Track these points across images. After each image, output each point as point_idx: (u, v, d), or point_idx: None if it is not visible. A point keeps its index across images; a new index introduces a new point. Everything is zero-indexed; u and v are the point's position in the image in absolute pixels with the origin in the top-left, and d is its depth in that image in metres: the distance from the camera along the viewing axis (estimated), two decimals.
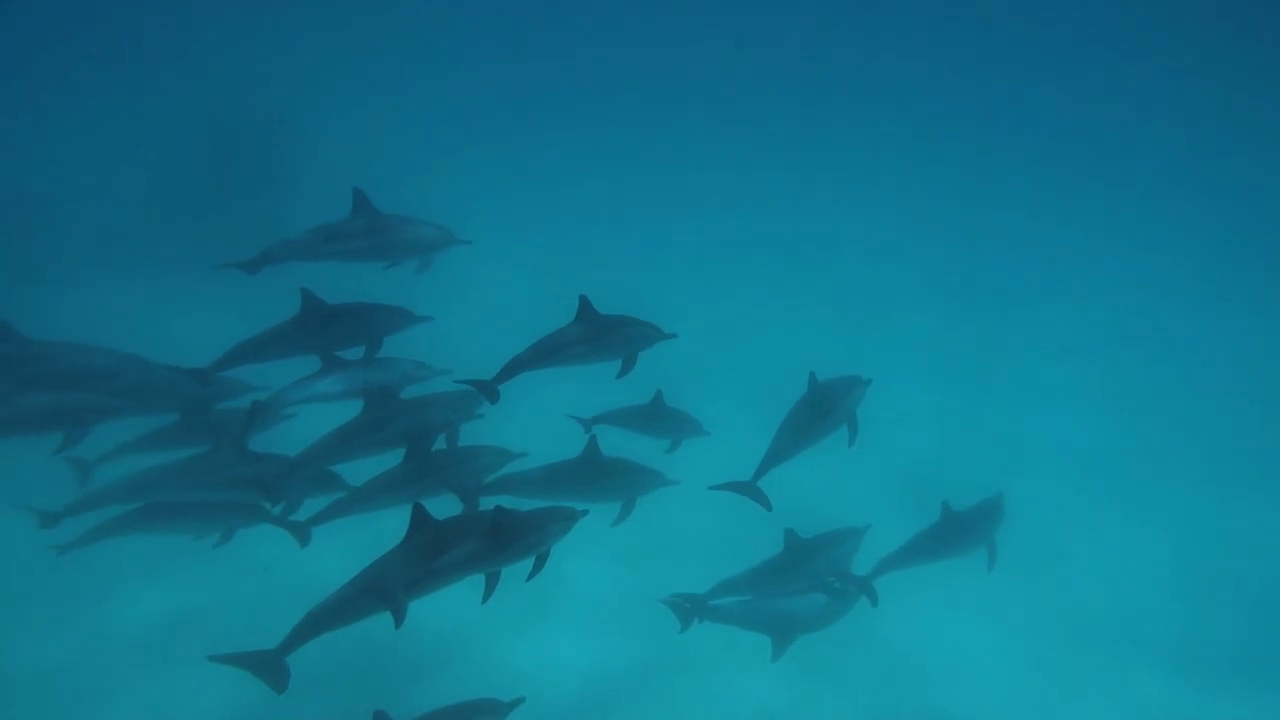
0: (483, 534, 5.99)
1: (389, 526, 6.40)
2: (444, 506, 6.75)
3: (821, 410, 7.65)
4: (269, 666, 5.86)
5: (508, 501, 6.37)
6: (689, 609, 7.85)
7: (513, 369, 7.38)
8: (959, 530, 8.67)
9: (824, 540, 8.06)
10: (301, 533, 7.47)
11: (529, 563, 6.19)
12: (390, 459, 7.48)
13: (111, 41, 22.85)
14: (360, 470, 7.53)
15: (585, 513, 6.36)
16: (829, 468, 9.13)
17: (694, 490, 7.95)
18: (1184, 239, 19.11)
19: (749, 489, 7.40)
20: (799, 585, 7.85)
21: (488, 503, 6.78)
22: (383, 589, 5.81)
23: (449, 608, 7.04)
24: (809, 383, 7.75)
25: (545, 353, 7.45)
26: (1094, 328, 15.71)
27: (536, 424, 8.37)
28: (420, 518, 6.12)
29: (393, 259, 8.69)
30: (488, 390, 7.31)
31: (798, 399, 7.75)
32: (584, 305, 7.58)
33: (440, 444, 7.65)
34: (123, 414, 7.78)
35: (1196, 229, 19.50)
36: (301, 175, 17.02)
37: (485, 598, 6.21)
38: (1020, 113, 24.65)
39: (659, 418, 8.93)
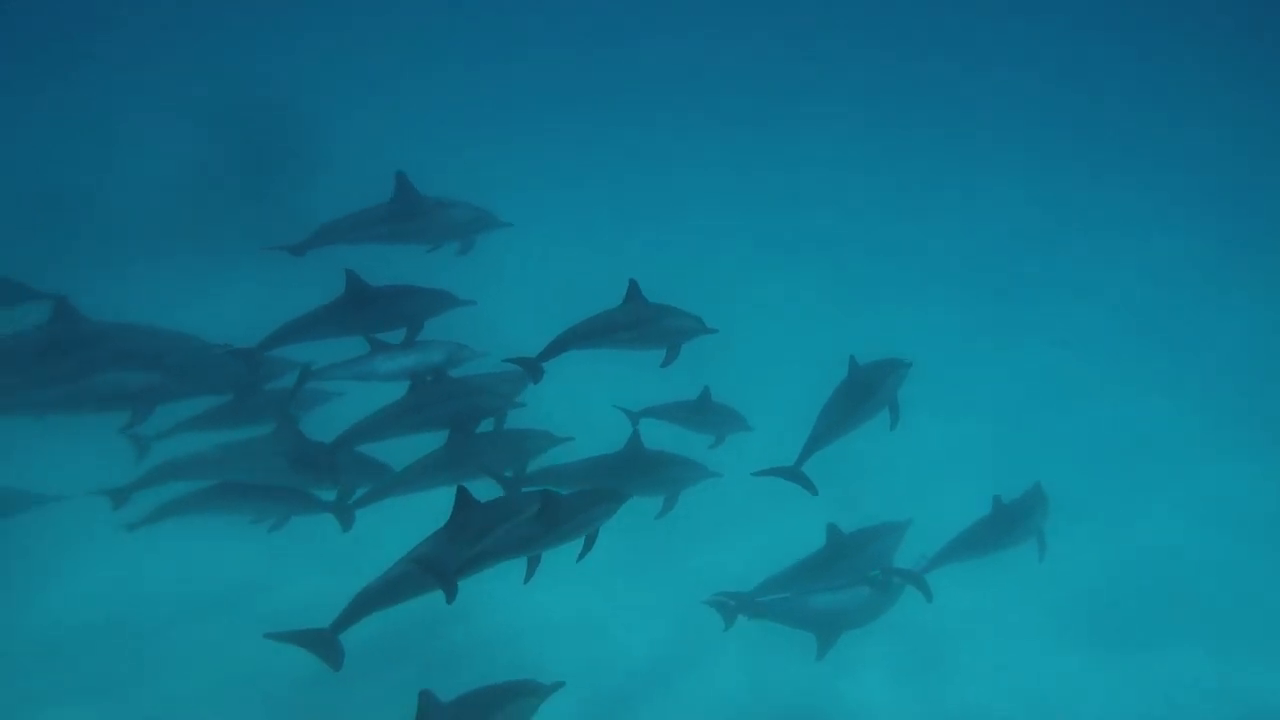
0: (532, 515, 6.02)
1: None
2: (486, 490, 6.81)
3: (862, 393, 7.63)
4: (323, 644, 5.99)
5: None
6: (733, 607, 7.86)
7: (557, 347, 7.43)
8: (1010, 522, 8.63)
9: (866, 535, 8.06)
10: (345, 516, 7.56)
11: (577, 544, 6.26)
12: (433, 440, 7.56)
13: (134, 31, 23.00)
14: (401, 451, 7.61)
15: (629, 496, 6.41)
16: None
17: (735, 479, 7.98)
18: (1187, 228, 18.88)
19: (793, 474, 7.40)
20: (842, 580, 7.86)
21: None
22: (435, 568, 5.87)
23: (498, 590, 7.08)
24: (849, 366, 7.73)
25: (590, 334, 7.50)
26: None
27: (579, 417, 8.36)
28: (464, 500, 6.18)
29: (435, 242, 8.76)
30: (532, 367, 7.36)
31: (839, 383, 7.73)
32: (633, 289, 7.61)
33: (486, 427, 7.69)
34: (185, 395, 7.91)
35: (1201, 217, 19.26)
36: (327, 160, 17.17)
37: (527, 578, 6.31)
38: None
39: (705, 413, 9.01)
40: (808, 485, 7.37)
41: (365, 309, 8.03)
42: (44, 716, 7.98)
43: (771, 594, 7.88)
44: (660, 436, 8.39)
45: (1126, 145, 22.43)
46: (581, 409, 8.91)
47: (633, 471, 7.77)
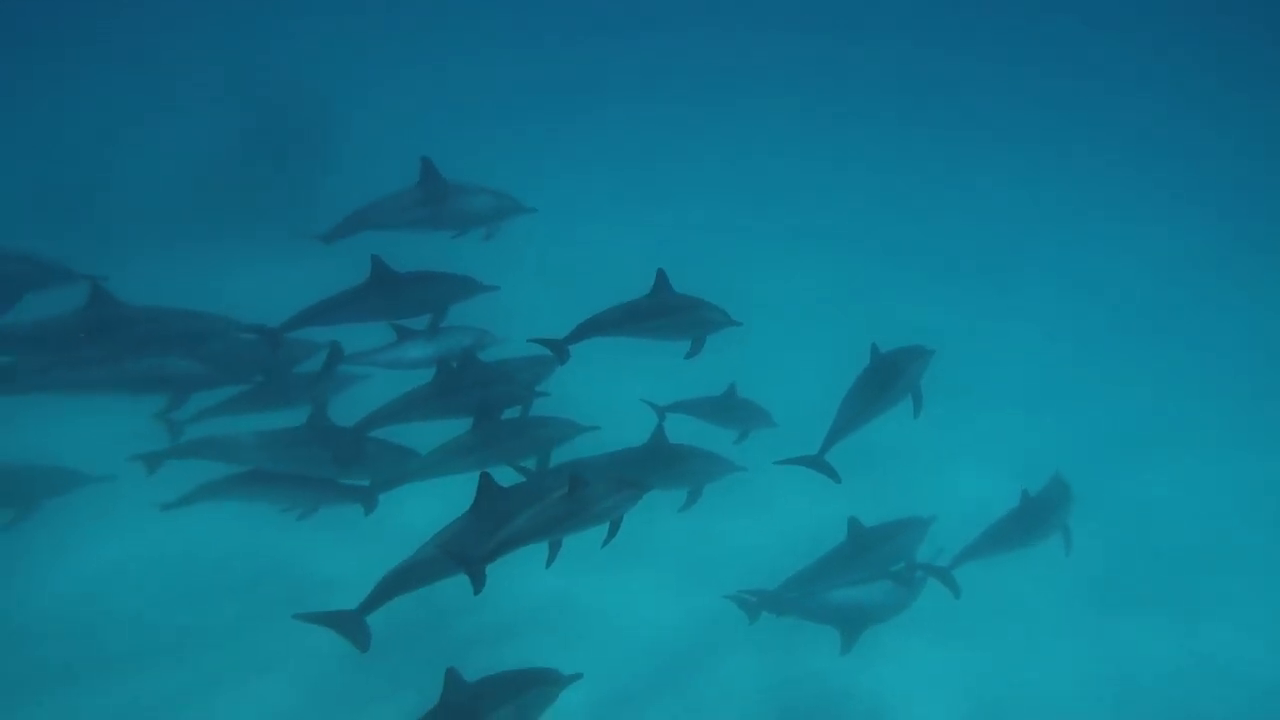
0: (558, 499, 6.12)
1: None
2: (507, 476, 6.89)
3: (885, 381, 7.64)
4: (351, 625, 6.10)
5: None
6: (756, 603, 7.92)
7: (584, 331, 7.49)
8: (1036, 516, 8.66)
9: (888, 529, 8.11)
10: (369, 500, 7.62)
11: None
12: (456, 425, 7.63)
13: (148, 16, 23.03)
14: (424, 435, 7.68)
15: (653, 487, 6.51)
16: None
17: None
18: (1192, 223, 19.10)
19: (816, 462, 7.44)
20: (864, 575, 7.90)
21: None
22: (461, 555, 5.95)
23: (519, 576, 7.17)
24: (871, 354, 7.76)
25: (617, 321, 7.55)
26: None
27: (604, 410, 8.37)
28: (488, 485, 6.25)
29: (461, 228, 8.81)
30: (559, 349, 7.41)
31: (861, 371, 7.75)
32: (660, 279, 7.66)
33: (510, 413, 7.76)
34: (221, 384, 8.02)
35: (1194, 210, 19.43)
36: (342, 146, 17.23)
37: (549, 562, 6.39)
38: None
39: (731, 408, 9.09)
40: (831, 474, 7.40)
41: (390, 294, 8.10)
42: (68, 692, 8.06)
43: (795, 590, 7.91)
44: (683, 430, 8.45)
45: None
46: (605, 401, 8.99)
47: (658, 464, 7.81)
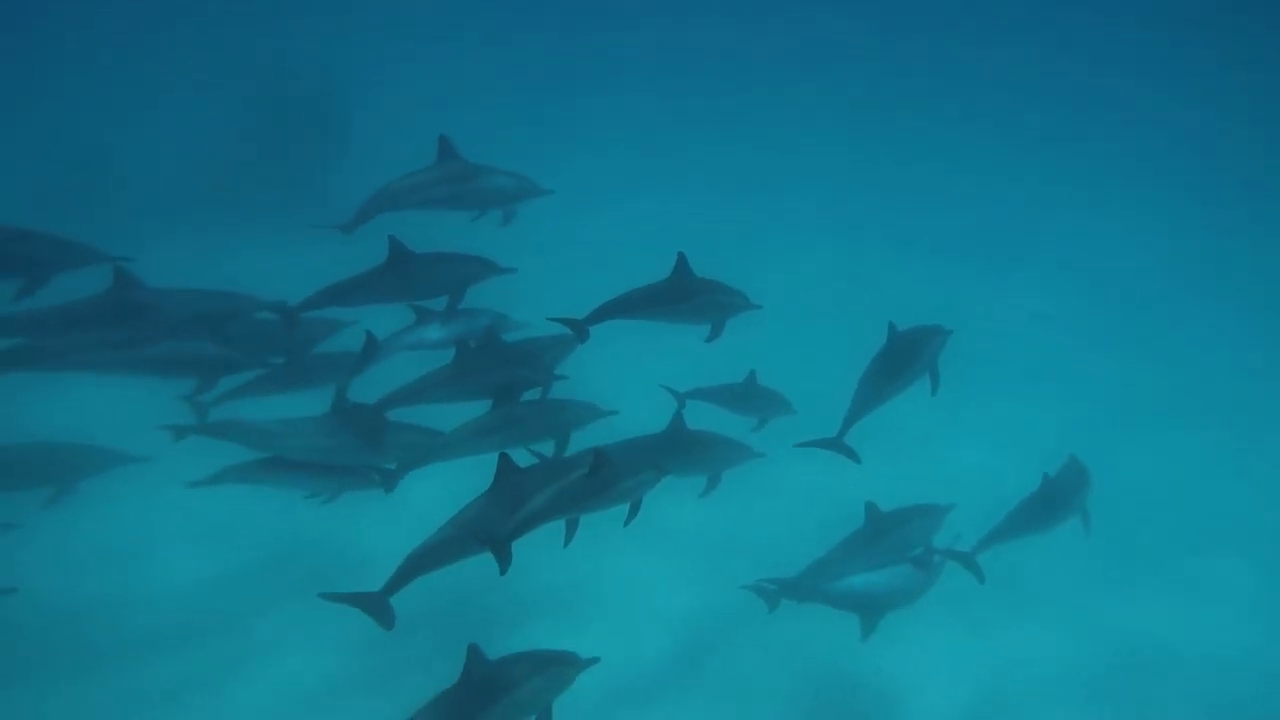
0: (580, 477, 6.20)
1: None
2: (522, 458, 6.91)
3: (902, 361, 7.69)
4: (375, 606, 6.18)
5: None
6: (775, 591, 7.96)
7: (603, 313, 7.53)
8: (1056, 499, 8.68)
9: (905, 513, 8.15)
10: (390, 481, 7.65)
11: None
12: (474, 407, 7.68)
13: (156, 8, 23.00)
14: (442, 416, 7.73)
15: (672, 472, 6.63)
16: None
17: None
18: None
19: (836, 444, 7.48)
20: (882, 559, 7.90)
21: None
22: (487, 535, 6.00)
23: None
24: (888, 333, 7.80)
25: (636, 304, 7.59)
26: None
27: (622, 396, 8.42)
28: (507, 465, 6.33)
29: (479, 208, 8.82)
30: (579, 328, 7.46)
31: (878, 350, 7.79)
32: (680, 263, 7.69)
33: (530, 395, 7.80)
34: (248, 367, 8.13)
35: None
36: (349, 133, 17.25)
37: (567, 541, 6.46)
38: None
39: (751, 396, 9.16)
40: (851, 455, 7.45)
41: (407, 275, 8.13)
42: (91, 674, 8.16)
43: (815, 577, 7.94)
44: (701, 416, 8.51)
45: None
46: (622, 384, 9.05)
47: (677, 450, 7.86)
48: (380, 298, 8.25)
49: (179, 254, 12.89)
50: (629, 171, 18.55)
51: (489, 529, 6.04)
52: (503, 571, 5.98)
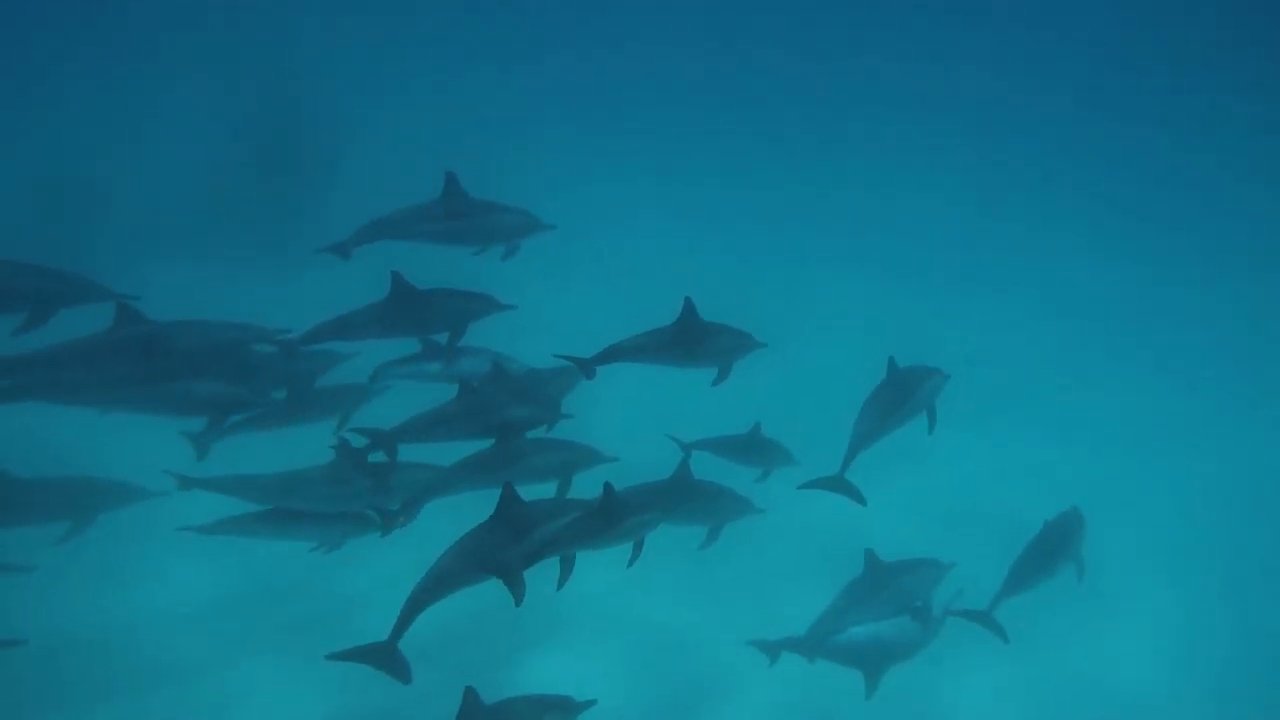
0: (587, 514, 6.27)
1: None
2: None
3: (898, 397, 7.76)
4: (385, 658, 6.12)
5: None
6: (776, 645, 7.95)
7: (611, 355, 7.59)
8: (1056, 547, 8.65)
9: (906, 565, 8.12)
10: (388, 520, 7.62)
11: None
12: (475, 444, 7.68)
13: (147, 29, 23.15)
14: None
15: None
16: None
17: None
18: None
19: (837, 483, 7.50)
20: (882, 612, 7.88)
21: None
22: (498, 565, 6.02)
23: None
24: (888, 367, 7.88)
25: (643, 348, 7.67)
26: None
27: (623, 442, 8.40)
28: (510, 497, 6.33)
29: (480, 243, 8.85)
30: (585, 367, 7.51)
31: (876, 385, 7.86)
32: (687, 307, 7.76)
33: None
34: (259, 406, 8.16)
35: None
36: (342, 163, 17.29)
37: (561, 584, 6.41)
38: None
39: (756, 447, 9.24)
40: (855, 494, 7.47)
41: (409, 310, 8.17)
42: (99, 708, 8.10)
43: (819, 632, 7.89)
44: (702, 464, 8.48)
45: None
46: (626, 430, 8.97)
47: (682, 500, 7.86)
48: (382, 332, 8.28)
49: (168, 282, 12.85)
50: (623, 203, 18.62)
51: (498, 559, 6.04)
52: (518, 602, 5.98)
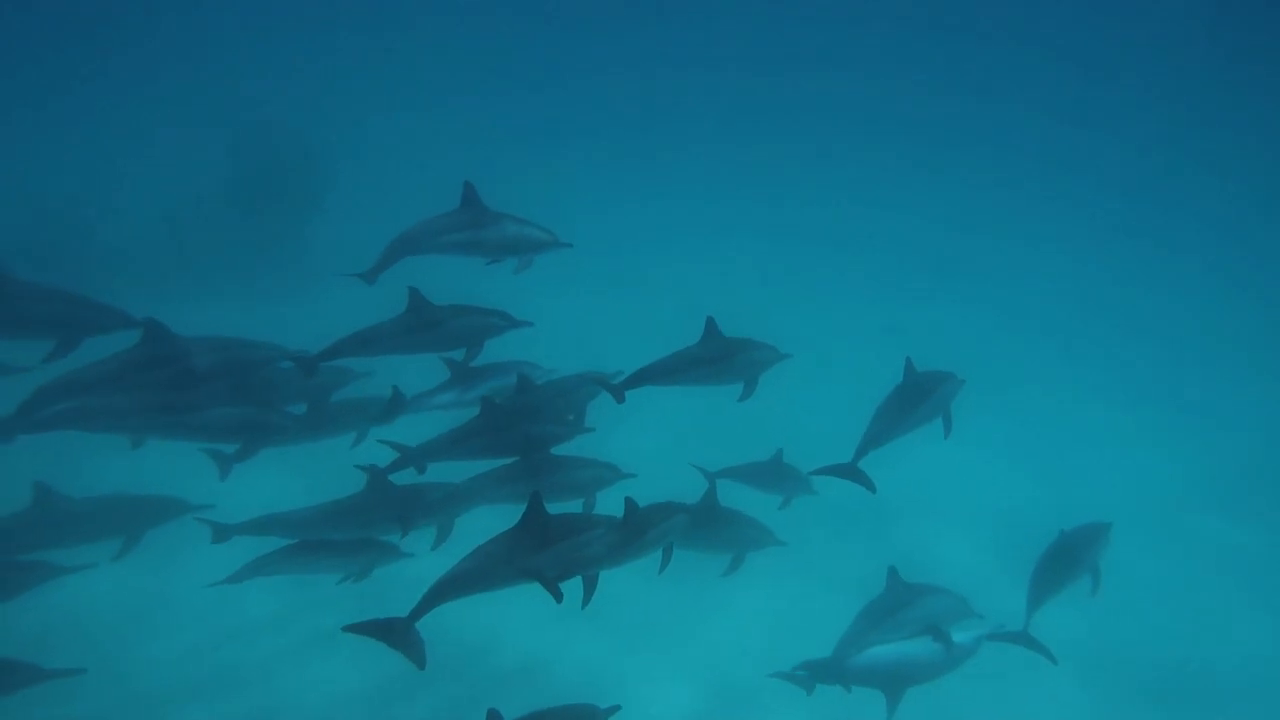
0: (615, 525, 6.36)
1: None
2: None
3: (916, 398, 7.92)
4: (401, 635, 6.10)
5: None
6: (806, 676, 7.90)
7: (640, 379, 7.68)
8: (1074, 557, 8.64)
9: (927, 586, 8.13)
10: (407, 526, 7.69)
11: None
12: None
13: (131, 56, 23.27)
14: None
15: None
16: None
17: None
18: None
19: (849, 471, 7.60)
20: (907, 633, 7.86)
21: None
22: (535, 572, 6.13)
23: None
24: (905, 368, 8.04)
25: (671, 370, 7.73)
26: None
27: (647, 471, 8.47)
28: (537, 504, 6.37)
29: (499, 256, 8.82)
30: (616, 393, 7.63)
31: (895, 385, 8.01)
32: (710, 326, 7.85)
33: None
34: (294, 430, 8.23)
35: None
36: (325, 190, 17.38)
37: (585, 602, 6.47)
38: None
39: (777, 476, 9.54)
40: (866, 482, 7.57)
41: (426, 327, 8.20)
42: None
43: (841, 654, 7.87)
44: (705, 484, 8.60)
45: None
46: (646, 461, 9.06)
47: (709, 527, 8.02)
48: (398, 348, 8.31)
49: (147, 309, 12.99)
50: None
51: (532, 565, 6.15)
52: (558, 601, 6.07)
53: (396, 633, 6.09)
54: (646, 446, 10.17)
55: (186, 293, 14.16)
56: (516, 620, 8.63)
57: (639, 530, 6.42)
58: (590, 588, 6.50)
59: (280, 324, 8.73)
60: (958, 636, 7.84)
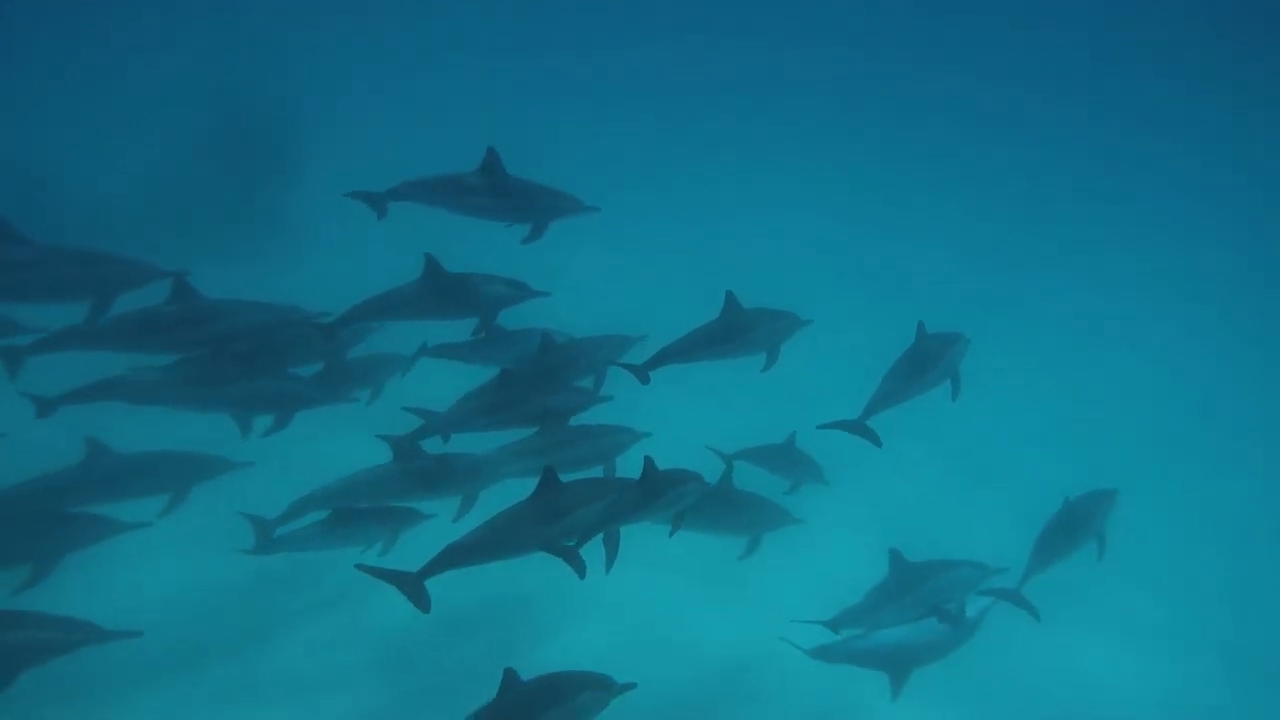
0: (630, 487, 6.51)
1: None
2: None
3: (926, 361, 8.02)
4: (410, 586, 6.29)
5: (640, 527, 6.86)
6: (808, 651, 7.96)
7: (664, 358, 7.78)
8: (1080, 522, 8.71)
9: (932, 566, 8.23)
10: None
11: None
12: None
13: (113, 32, 23.19)
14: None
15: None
16: None
17: None
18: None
19: (858, 427, 7.68)
20: (911, 614, 7.96)
21: None
22: (557, 545, 6.32)
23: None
24: (916, 332, 8.14)
25: (693, 347, 7.86)
26: None
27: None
28: (550, 477, 6.54)
29: (517, 220, 8.82)
30: (640, 374, 7.75)
31: (906, 348, 8.11)
32: (729, 301, 7.96)
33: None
34: (325, 403, 8.45)
35: None
36: (309, 162, 17.34)
37: (608, 567, 6.65)
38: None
39: (791, 460, 9.65)
40: (872, 438, 7.67)
41: (441, 294, 8.27)
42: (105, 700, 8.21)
43: (843, 631, 8.01)
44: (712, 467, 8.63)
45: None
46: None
47: (722, 509, 8.11)
48: (413, 315, 8.38)
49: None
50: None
51: (543, 535, 6.35)
52: (582, 576, 6.30)
53: (408, 584, 6.30)
54: (676, 413, 10.25)
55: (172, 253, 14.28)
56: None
57: (657, 490, 6.56)
58: (612, 551, 6.68)
59: (261, 288, 8.71)
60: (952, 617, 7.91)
